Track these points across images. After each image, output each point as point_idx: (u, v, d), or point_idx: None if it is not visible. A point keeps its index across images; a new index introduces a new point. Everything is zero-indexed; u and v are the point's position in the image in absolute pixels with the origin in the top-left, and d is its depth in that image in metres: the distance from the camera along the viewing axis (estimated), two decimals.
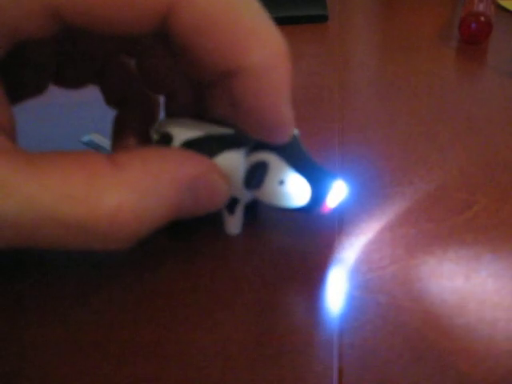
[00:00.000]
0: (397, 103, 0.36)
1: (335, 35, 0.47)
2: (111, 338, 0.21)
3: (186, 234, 0.26)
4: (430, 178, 0.28)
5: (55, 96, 0.26)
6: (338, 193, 0.22)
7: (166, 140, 0.23)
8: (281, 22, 0.50)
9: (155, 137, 0.24)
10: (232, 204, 0.24)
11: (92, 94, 0.27)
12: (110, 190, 0.17)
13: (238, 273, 0.23)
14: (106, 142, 0.32)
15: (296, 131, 0.22)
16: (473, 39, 0.43)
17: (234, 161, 0.22)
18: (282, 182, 0.21)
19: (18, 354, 0.21)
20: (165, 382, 0.20)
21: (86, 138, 0.33)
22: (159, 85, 0.25)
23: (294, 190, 0.21)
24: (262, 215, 0.26)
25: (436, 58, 0.42)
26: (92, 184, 0.16)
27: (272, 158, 0.21)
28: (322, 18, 0.50)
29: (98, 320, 0.22)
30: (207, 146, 0.22)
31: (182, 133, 0.23)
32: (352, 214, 0.26)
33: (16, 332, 0.22)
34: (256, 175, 0.21)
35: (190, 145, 0.23)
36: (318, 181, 0.21)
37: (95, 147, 0.32)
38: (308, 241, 0.25)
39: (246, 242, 0.25)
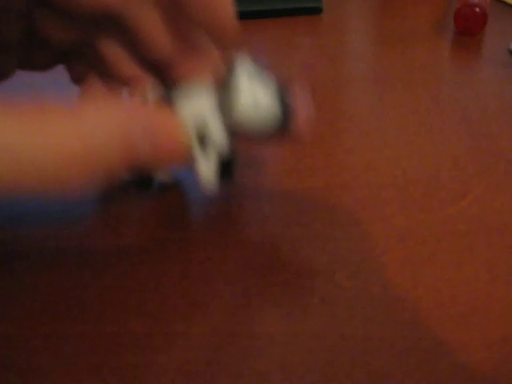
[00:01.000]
0: (391, 94, 0.35)
1: (329, 27, 0.47)
2: (99, 330, 0.21)
3: (151, 188, 0.25)
4: (423, 168, 0.28)
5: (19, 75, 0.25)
6: (304, 107, 0.22)
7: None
8: (275, 14, 0.50)
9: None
10: (202, 138, 0.22)
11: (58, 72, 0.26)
12: (58, 126, 0.17)
13: (228, 263, 0.23)
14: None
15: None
16: (468, 30, 0.43)
17: (205, 95, 0.22)
18: (255, 102, 0.21)
19: (4, 348, 0.20)
20: (152, 374, 0.19)
21: None
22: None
23: (267, 107, 0.21)
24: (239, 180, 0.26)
25: (431, 50, 0.41)
26: (43, 121, 0.17)
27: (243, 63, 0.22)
28: (317, 10, 0.50)
29: (86, 312, 0.22)
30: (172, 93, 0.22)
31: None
32: (344, 203, 0.26)
33: (2, 325, 0.21)
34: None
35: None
36: (285, 96, 0.22)
37: None
38: (298, 230, 0.24)
39: (236, 232, 0.25)
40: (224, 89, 0.22)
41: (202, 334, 0.20)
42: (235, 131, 0.22)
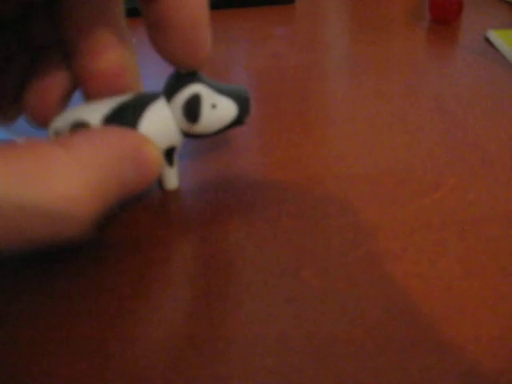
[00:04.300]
0: (364, 83, 0.34)
1: (303, 17, 0.46)
2: (48, 335, 0.19)
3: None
4: (396, 159, 0.27)
5: None
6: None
7: (83, 127, 0.22)
8: (248, 3, 0.49)
9: (66, 130, 0.22)
10: (170, 153, 0.24)
11: None
12: (60, 169, 0.17)
13: (188, 262, 0.22)
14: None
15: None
16: (443, 19, 0.42)
17: (161, 110, 0.23)
18: (214, 106, 0.23)
19: None
20: (106, 381, 0.18)
21: None
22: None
23: (224, 110, 0.23)
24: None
25: (406, 38, 0.40)
26: (41, 166, 0.17)
27: (199, 87, 0.23)
28: (289, 0, 0.49)
29: (35, 316, 0.20)
30: (128, 112, 0.22)
31: (94, 113, 0.22)
32: (312, 196, 0.25)
33: None
34: (194, 107, 0.23)
35: (110, 120, 0.22)
36: (239, 97, 0.24)
37: None
38: (263, 226, 0.23)
39: (197, 229, 0.23)
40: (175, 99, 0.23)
41: (160, 338, 0.19)
42: (193, 134, 0.24)
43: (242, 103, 0.24)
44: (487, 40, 0.40)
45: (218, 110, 0.23)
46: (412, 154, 0.27)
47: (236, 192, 0.25)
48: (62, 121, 0.22)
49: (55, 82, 0.23)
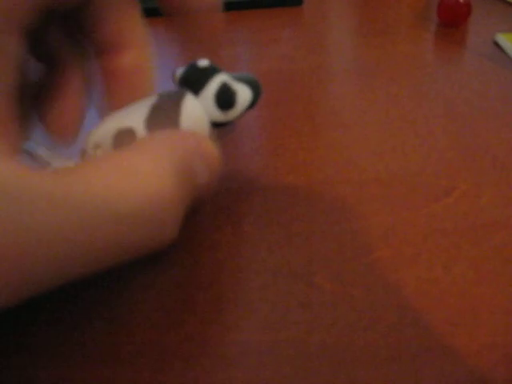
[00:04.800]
0: (373, 87, 0.34)
1: (310, 19, 0.46)
2: (62, 338, 0.19)
3: None
4: (407, 163, 0.27)
5: None
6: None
7: (129, 133, 0.22)
8: (255, 5, 0.49)
9: (110, 140, 0.22)
10: None
11: None
12: (145, 174, 0.17)
13: (200, 266, 0.22)
14: (33, 140, 0.28)
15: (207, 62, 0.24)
16: (451, 22, 0.42)
17: (194, 106, 0.23)
18: (236, 93, 0.24)
19: None
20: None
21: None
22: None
23: (244, 95, 0.24)
24: None
25: (414, 42, 0.40)
26: (127, 174, 0.17)
27: (224, 77, 0.24)
28: (297, 2, 0.49)
29: (49, 321, 0.20)
30: (166, 113, 0.22)
31: (134, 119, 0.22)
32: (324, 201, 0.25)
33: None
34: (228, 94, 0.23)
35: (151, 123, 0.22)
36: (251, 82, 0.25)
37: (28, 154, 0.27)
38: (276, 230, 0.23)
39: (209, 233, 0.23)
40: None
41: (172, 342, 0.19)
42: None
43: (255, 88, 0.25)
44: (496, 44, 0.40)
45: (240, 95, 0.24)
46: (423, 158, 0.27)
47: (248, 196, 0.25)
48: (101, 132, 0.22)
49: (73, 96, 0.23)
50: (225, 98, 0.23)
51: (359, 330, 0.19)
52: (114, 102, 0.23)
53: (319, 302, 0.20)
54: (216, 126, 0.25)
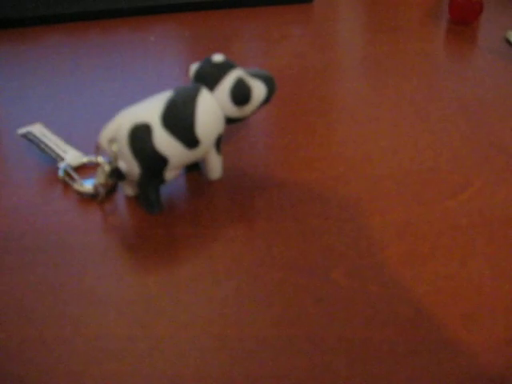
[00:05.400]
0: (385, 84, 0.34)
1: (321, 16, 0.45)
2: (79, 333, 0.19)
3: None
4: (420, 159, 0.27)
5: None
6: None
7: (146, 128, 0.22)
8: (266, 2, 0.49)
9: (126, 135, 0.22)
10: (219, 141, 0.25)
11: (33, 77, 0.25)
12: None
13: (217, 261, 0.22)
14: (48, 134, 0.28)
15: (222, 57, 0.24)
16: (463, 19, 0.42)
17: (209, 101, 0.24)
18: (250, 89, 0.24)
19: None
20: (135, 380, 0.18)
21: (23, 130, 0.28)
22: None
23: (259, 90, 0.25)
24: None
25: (425, 39, 0.40)
26: None
27: (240, 72, 0.24)
28: None
29: (65, 314, 0.20)
30: (181, 108, 0.23)
31: (150, 114, 0.22)
32: (339, 197, 0.25)
33: None
34: (244, 90, 0.24)
35: (167, 118, 0.22)
36: (266, 78, 0.25)
37: (32, 140, 0.27)
38: (292, 225, 0.23)
39: (225, 228, 0.23)
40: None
41: (190, 337, 0.19)
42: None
43: (270, 84, 0.25)
44: (507, 41, 0.40)
45: (255, 91, 0.24)
46: (437, 154, 0.27)
47: (263, 191, 0.25)
48: (116, 127, 0.22)
49: None
50: (241, 94, 0.24)
51: (377, 324, 0.19)
52: None
53: (336, 297, 0.20)
54: (230, 121, 0.25)
